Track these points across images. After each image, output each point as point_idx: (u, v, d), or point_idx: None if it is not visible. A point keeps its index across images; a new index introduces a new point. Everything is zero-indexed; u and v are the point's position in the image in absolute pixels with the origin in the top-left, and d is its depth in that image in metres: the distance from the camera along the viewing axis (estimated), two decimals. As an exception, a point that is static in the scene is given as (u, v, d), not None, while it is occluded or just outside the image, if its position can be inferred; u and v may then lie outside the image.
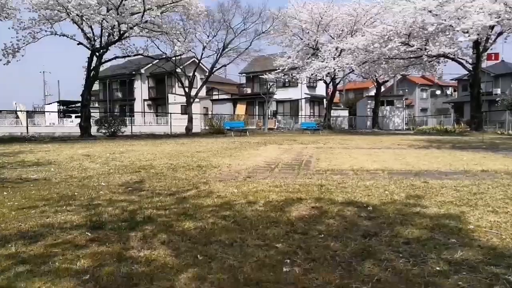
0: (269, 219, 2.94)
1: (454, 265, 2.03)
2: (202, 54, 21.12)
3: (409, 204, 3.41)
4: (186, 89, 22.47)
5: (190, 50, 17.48)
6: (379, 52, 19.10)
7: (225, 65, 23.36)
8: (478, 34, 16.52)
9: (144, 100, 46.25)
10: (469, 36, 16.65)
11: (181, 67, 23.45)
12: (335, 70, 25.06)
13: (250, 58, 24.91)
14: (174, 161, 6.96)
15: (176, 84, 45.23)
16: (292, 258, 2.13)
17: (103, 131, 17.36)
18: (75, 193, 4.18)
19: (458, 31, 16.90)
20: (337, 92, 60.94)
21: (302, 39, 26.38)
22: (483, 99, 23.42)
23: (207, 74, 48.98)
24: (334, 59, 24.98)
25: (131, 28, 14.87)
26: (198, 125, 23.35)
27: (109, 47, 16.77)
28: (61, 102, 52.84)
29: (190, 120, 20.80)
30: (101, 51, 16.31)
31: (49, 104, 53.17)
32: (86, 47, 15.88)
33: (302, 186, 4.28)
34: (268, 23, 22.80)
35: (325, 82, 28.66)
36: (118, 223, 2.84)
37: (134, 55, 16.40)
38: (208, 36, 20.29)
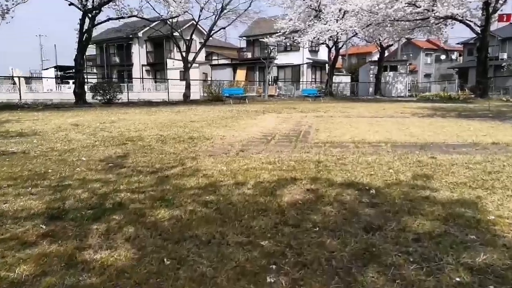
0: (257, 206, 2.56)
1: (477, 274, 1.65)
2: (199, 16, 20.20)
3: (416, 186, 3.02)
4: (184, 54, 21.67)
5: (187, 11, 16.62)
6: (384, 14, 18.20)
7: (223, 28, 22.48)
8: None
9: (143, 65, 45.25)
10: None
11: (179, 30, 22.60)
12: (338, 33, 24.14)
13: (250, 21, 23.95)
14: (165, 132, 6.54)
15: (175, 48, 44.10)
16: (279, 263, 1.76)
17: (99, 98, 16.84)
18: (49, 170, 3.80)
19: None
20: (340, 57, 59.80)
21: (304, 0, 25.22)
22: (489, 64, 22.60)
23: (205, 37, 47.94)
24: (337, 22, 24.00)
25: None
26: (197, 91, 22.74)
27: (102, 8, 15.95)
28: (58, 68, 51.80)
29: (187, 86, 20.20)
30: (94, 12, 15.50)
31: (46, 69, 52.18)
32: (78, 7, 15.05)
33: (297, 163, 3.89)
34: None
35: (327, 46, 27.74)
36: (82, 212, 2.47)
37: (128, 17, 15.59)
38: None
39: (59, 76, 50.45)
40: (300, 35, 25.50)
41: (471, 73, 46.63)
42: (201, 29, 42.73)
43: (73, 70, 53.76)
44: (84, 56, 18.20)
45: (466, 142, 5.15)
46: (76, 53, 16.17)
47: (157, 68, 44.65)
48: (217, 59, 47.58)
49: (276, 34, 25.98)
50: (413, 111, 11.47)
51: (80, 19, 15.10)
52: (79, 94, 16.27)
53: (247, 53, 44.18)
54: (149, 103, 18.09)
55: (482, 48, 19.22)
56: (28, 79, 53.80)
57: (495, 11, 18.75)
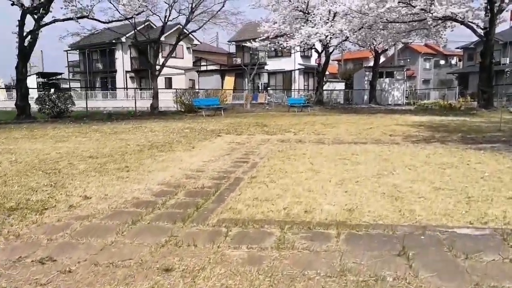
0: None
1: None
2: (166, 17, 18.01)
3: None
4: (152, 60, 19.50)
5: (143, 12, 14.46)
6: (375, 15, 16.10)
7: (194, 31, 20.23)
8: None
9: (126, 71, 43.18)
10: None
11: (165, 35, 20.47)
12: (327, 36, 22.03)
13: (228, 24, 21.73)
14: None
15: (160, 54, 42.09)
16: None
17: (47, 111, 14.69)
18: None
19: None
20: (336, 62, 57.79)
21: (290, 1, 23.10)
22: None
23: (193, 43, 45.94)
24: (326, 24, 21.91)
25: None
26: (170, 100, 20.48)
27: (51, 8, 13.83)
28: (40, 74, 49.70)
29: (155, 96, 18.02)
30: (40, 12, 13.37)
31: (28, 76, 50.01)
32: (17, 5, 12.89)
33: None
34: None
35: (316, 51, 25.65)
36: None
37: (78, 18, 13.45)
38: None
39: (40, 83, 48.40)
40: (286, 39, 23.40)
41: (472, 79, 44.64)
42: (188, 32, 40.80)
43: (57, 77, 51.87)
44: (28, 64, 16.10)
45: (485, 225, 2.88)
46: (17, 60, 13.99)
47: (141, 75, 42.51)
48: (206, 65, 45.51)
49: (260, 38, 23.88)
50: (407, 131, 9.29)
51: (19, 20, 12.96)
52: (21, 107, 14.13)
53: (236, 58, 42.06)
54: (108, 116, 15.93)
55: (487, 52, 17.10)
56: (9, 87, 51.71)
57: (501, 11, 16.68)
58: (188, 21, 18.20)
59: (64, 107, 14.63)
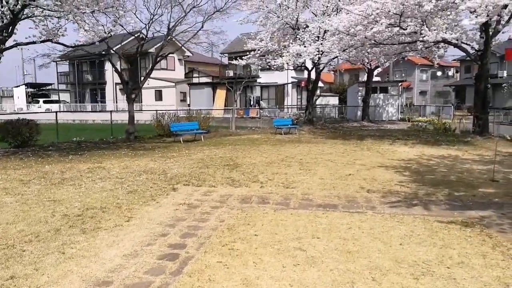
0: None
1: None
2: (143, 39, 17.01)
3: None
4: (125, 76, 18.48)
5: (110, 37, 13.41)
6: (363, 37, 15.15)
7: (171, 53, 19.26)
8: (487, 15, 12.60)
9: (116, 83, 42.22)
10: (476, 17, 12.73)
11: (155, 46, 19.26)
12: (316, 55, 21.09)
13: (209, 44, 20.74)
14: None
15: (150, 66, 41.24)
16: None
17: (10, 140, 13.68)
18: None
19: (463, 10, 12.96)
20: (332, 73, 56.91)
21: (279, 17, 22.13)
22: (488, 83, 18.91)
23: (186, 54, 45.04)
24: (315, 43, 20.97)
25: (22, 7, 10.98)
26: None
27: (15, 30, 12.86)
28: (29, 85, 48.77)
29: (130, 121, 16.95)
30: (2, 34, 12.39)
31: (17, 87, 49.13)
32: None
33: None
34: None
35: (306, 68, 24.69)
36: None
37: (42, 41, 12.45)
38: (151, 14, 16.22)
39: (29, 94, 47.45)
40: (274, 57, 22.45)
41: (469, 91, 43.84)
42: (178, 44, 39.86)
43: (46, 87, 50.75)
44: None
45: None
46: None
47: (135, 87, 41.54)
48: (198, 77, 44.54)
49: (247, 56, 22.93)
50: (389, 182, 8.28)
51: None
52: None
53: (229, 71, 41.12)
54: (77, 145, 14.89)
55: (481, 77, 16.13)
56: (-1, 98, 50.72)
57: (497, 33, 15.72)
58: (163, 45, 17.21)
59: (27, 136, 13.59)
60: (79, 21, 11.14)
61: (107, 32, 12.85)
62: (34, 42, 12.67)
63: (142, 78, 34.11)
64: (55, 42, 12.60)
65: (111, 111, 19.75)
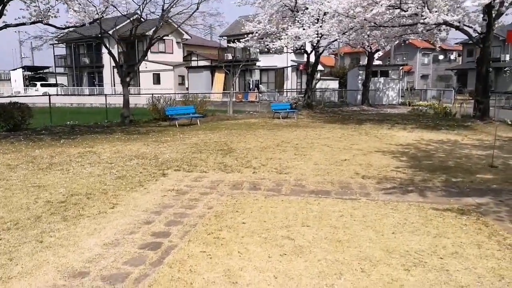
0: None
1: None
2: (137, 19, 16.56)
3: None
4: (120, 59, 18.11)
5: (101, 18, 13.01)
6: (362, 19, 14.75)
7: (166, 35, 18.80)
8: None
9: (113, 67, 41.65)
10: (479, -1, 12.36)
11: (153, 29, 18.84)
12: (315, 38, 20.67)
13: (205, 26, 20.29)
14: None
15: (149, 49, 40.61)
16: None
17: (1, 123, 13.46)
18: None
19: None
20: (333, 56, 56.18)
21: (278, -2, 21.58)
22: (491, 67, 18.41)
23: (184, 37, 44.38)
24: (314, 25, 20.52)
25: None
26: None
27: (5, 11, 12.52)
28: (26, 68, 48.25)
29: (125, 104, 16.69)
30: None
31: (14, 70, 48.62)
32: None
33: None
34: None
35: (305, 52, 24.26)
36: None
37: (32, 23, 12.11)
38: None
39: (27, 77, 46.99)
40: (272, 40, 22.02)
41: (471, 75, 43.24)
42: (178, 27, 39.17)
43: (44, 71, 50.22)
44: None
45: None
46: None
47: (129, 70, 41.04)
48: (197, 60, 43.97)
49: (244, 39, 22.49)
50: (385, 167, 8.08)
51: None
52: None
53: (228, 54, 40.53)
54: (71, 129, 14.67)
55: (483, 60, 15.77)
56: (-6, 81, 50.27)
57: (500, 15, 15.30)
58: (157, 27, 16.79)
59: (20, 120, 13.36)
60: (68, 1, 10.76)
61: (99, 13, 12.48)
62: (24, 24, 12.35)
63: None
64: (46, 24, 12.25)
65: (105, 95, 19.46)
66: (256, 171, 7.66)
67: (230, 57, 38.88)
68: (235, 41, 23.96)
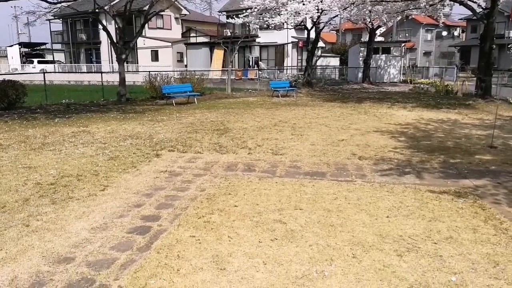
0: None
1: None
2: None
3: None
4: (117, 36, 17.71)
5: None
6: (364, -6, 14.32)
7: (162, 10, 18.25)
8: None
9: (111, 43, 41.08)
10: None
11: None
12: (316, 12, 20.18)
13: (202, 1, 19.75)
14: None
15: (146, 25, 39.84)
16: None
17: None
18: None
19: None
20: (335, 32, 55.15)
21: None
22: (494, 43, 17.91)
23: (182, 12, 43.48)
24: (314, 0, 20.00)
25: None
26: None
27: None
28: (22, 44, 47.53)
29: (121, 82, 16.44)
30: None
31: (10, 46, 47.93)
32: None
33: None
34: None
35: (305, 28, 23.75)
36: None
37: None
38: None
39: (23, 53, 46.35)
40: (271, 16, 21.52)
41: (474, 52, 42.53)
42: (178, 3, 38.30)
43: (41, 47, 49.45)
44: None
45: None
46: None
47: (125, 47, 40.41)
48: (196, 36, 43.21)
49: (243, 15, 21.99)
50: (383, 147, 7.95)
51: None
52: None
53: (227, 30, 39.78)
54: (66, 107, 14.47)
55: (487, 37, 15.40)
56: (-10, 57, 49.61)
57: (505, -11, 14.83)
58: (152, 2, 16.34)
59: (15, 98, 13.17)
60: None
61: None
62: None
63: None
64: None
65: (101, 72, 19.16)
66: (252, 152, 7.54)
67: (229, 33, 38.17)
68: (234, 16, 23.39)
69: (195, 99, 16.15)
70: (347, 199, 5.05)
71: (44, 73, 15.45)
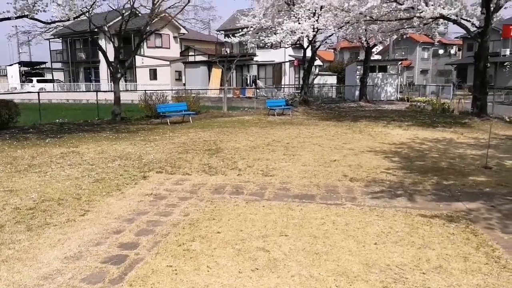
0: None
1: None
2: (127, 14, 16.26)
3: None
4: (112, 55, 17.75)
5: (86, 12, 12.70)
6: (357, 13, 14.40)
7: (157, 30, 18.42)
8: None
9: (107, 62, 41.37)
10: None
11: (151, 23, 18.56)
12: (311, 32, 20.32)
13: (197, 21, 19.95)
14: None
15: (145, 44, 40.19)
16: None
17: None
18: None
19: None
20: (332, 51, 55.64)
21: (273, -9, 21.24)
22: (490, 61, 17.98)
23: (181, 31, 43.90)
24: (310, 19, 20.17)
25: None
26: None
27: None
28: (22, 63, 47.89)
29: (116, 101, 16.41)
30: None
31: (10, 65, 48.27)
32: None
33: None
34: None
35: (301, 46, 23.90)
36: None
37: (17, 17, 11.79)
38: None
39: (23, 72, 46.63)
40: (267, 35, 21.67)
41: (470, 70, 42.73)
42: (176, 23, 38.68)
43: (40, 66, 49.77)
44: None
45: None
46: None
47: (120, 66, 40.67)
48: (194, 55, 43.55)
49: (240, 34, 22.15)
50: (375, 169, 7.80)
51: None
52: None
53: (225, 48, 40.13)
54: (60, 127, 14.38)
55: (481, 55, 15.43)
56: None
57: (498, 9, 14.94)
58: (148, 21, 16.45)
59: (7, 118, 13.09)
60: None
61: (87, 7, 12.16)
62: (9, 18, 12.02)
63: (136, 56, 33.10)
64: (31, 18, 11.92)
65: (96, 91, 19.16)
66: (241, 173, 7.39)
67: (227, 52, 38.48)
68: (231, 35, 23.57)
69: (191, 118, 16.07)
70: (335, 224, 4.88)
71: (39, 92, 15.41)
